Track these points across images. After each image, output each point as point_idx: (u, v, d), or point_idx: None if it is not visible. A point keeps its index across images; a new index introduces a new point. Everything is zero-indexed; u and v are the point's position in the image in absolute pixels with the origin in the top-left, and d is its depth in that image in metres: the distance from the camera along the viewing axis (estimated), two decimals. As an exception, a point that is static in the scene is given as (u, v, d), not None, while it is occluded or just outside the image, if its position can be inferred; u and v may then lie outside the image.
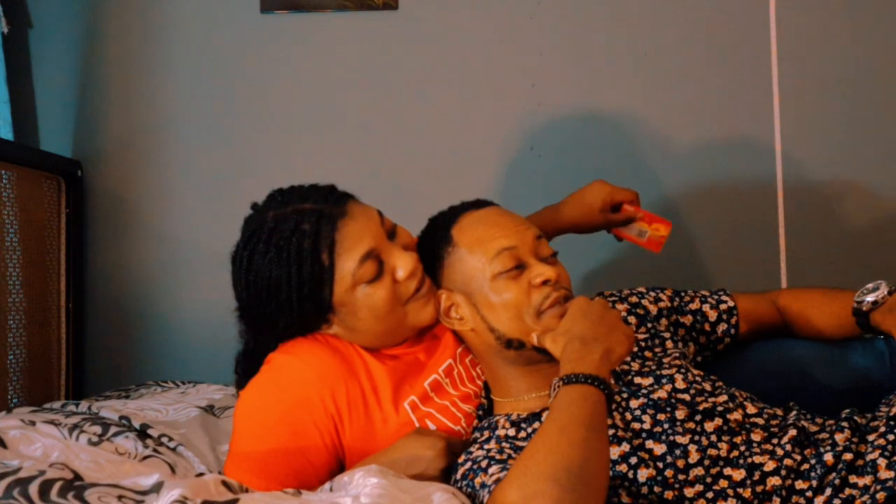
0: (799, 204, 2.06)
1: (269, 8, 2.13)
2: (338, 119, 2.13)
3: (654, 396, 1.23)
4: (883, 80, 2.06)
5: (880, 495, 1.08)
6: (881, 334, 1.37)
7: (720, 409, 1.21)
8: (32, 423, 1.29)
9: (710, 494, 1.13)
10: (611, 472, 1.14)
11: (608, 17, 2.11)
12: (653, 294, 1.47)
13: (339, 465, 1.28)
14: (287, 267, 1.24)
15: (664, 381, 1.25)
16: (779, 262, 2.07)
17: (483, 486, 1.11)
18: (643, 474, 1.15)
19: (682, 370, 1.28)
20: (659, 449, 1.17)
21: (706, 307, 1.48)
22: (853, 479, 1.12)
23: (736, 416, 1.21)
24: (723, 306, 1.49)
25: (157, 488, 0.98)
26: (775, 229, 2.08)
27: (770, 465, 1.14)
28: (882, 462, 1.12)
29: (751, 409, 1.24)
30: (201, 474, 1.29)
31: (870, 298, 1.36)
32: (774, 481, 1.13)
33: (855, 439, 1.17)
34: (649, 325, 1.41)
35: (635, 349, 1.35)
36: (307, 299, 1.26)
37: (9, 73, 2.06)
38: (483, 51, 2.12)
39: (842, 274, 2.03)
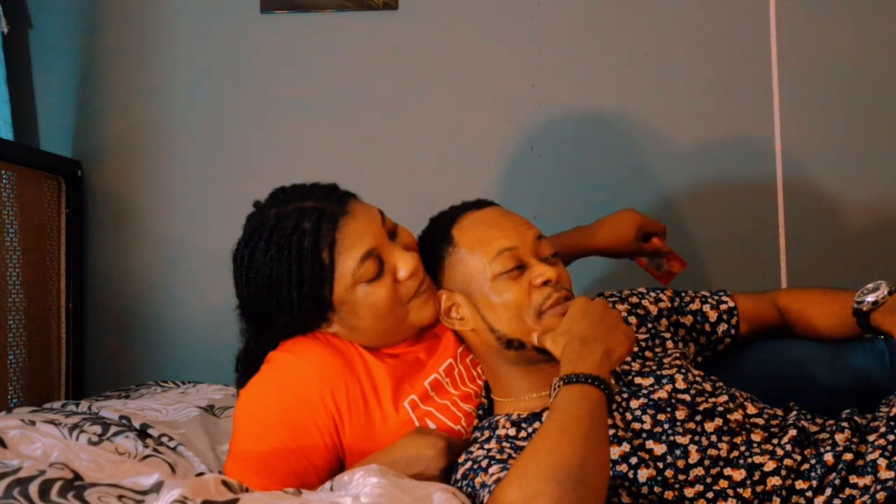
0: (799, 204, 2.06)
1: (269, 8, 2.13)
2: (338, 119, 2.13)
3: (655, 397, 1.23)
4: (883, 80, 2.06)
5: (880, 495, 1.08)
6: (881, 334, 1.37)
7: (720, 409, 1.21)
8: (32, 423, 1.29)
9: (710, 494, 1.13)
10: (611, 472, 1.14)
11: (608, 17, 2.11)
12: (653, 294, 1.47)
13: (339, 465, 1.28)
14: (288, 265, 1.24)
15: (665, 381, 1.25)
16: (779, 262, 2.07)
17: (483, 485, 1.11)
18: (643, 474, 1.15)
19: (683, 370, 1.28)
20: (659, 449, 1.17)
21: (706, 307, 1.48)
22: (853, 479, 1.12)
23: (736, 416, 1.21)
24: (723, 307, 1.49)
25: (157, 488, 0.98)
26: (775, 229, 2.08)
27: (770, 466, 1.14)
28: (882, 462, 1.12)
29: (751, 410, 1.24)
30: (201, 474, 1.29)
31: (870, 299, 1.36)
32: (774, 481, 1.13)
33: (855, 439, 1.17)
34: (650, 325, 1.41)
35: (636, 349, 1.35)
36: (307, 297, 1.26)
37: (9, 73, 2.06)
38: (483, 51, 2.12)
39: (842, 274, 2.03)
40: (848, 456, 1.13)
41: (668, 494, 1.14)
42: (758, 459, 1.15)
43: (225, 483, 1.04)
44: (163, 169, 2.14)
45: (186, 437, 1.42)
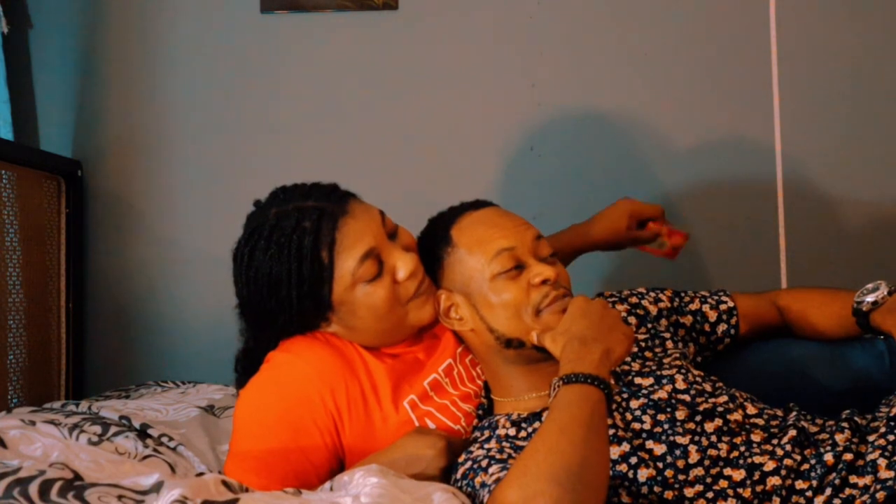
0: (799, 204, 2.07)
1: (269, 8, 2.13)
2: (338, 119, 2.13)
3: (655, 397, 1.23)
4: (883, 80, 2.06)
5: (880, 494, 1.08)
6: (881, 334, 1.36)
7: (720, 409, 1.21)
8: (32, 423, 1.29)
9: (710, 494, 1.13)
10: (611, 472, 1.14)
11: (608, 17, 2.11)
12: (653, 294, 1.47)
13: (339, 465, 1.28)
14: (287, 264, 1.24)
15: (664, 381, 1.25)
16: (779, 262, 2.07)
17: (483, 485, 1.11)
18: (643, 474, 1.15)
19: (683, 371, 1.28)
20: (659, 449, 1.17)
21: (706, 308, 1.48)
22: (853, 479, 1.12)
23: (736, 416, 1.21)
24: (723, 307, 1.49)
25: (157, 488, 0.98)
26: (775, 229, 2.08)
27: (770, 465, 1.14)
28: (882, 462, 1.11)
29: (751, 410, 1.24)
30: (201, 474, 1.29)
31: (869, 299, 1.36)
32: (774, 481, 1.13)
33: (855, 440, 1.17)
34: (649, 325, 1.41)
35: (635, 349, 1.35)
36: (306, 297, 1.26)
37: (9, 73, 2.06)
38: (483, 51, 2.12)
39: (842, 274, 2.03)
40: (848, 456, 1.13)
41: (668, 494, 1.14)
42: (757, 459, 1.15)
43: (225, 483, 1.04)
44: (163, 169, 2.14)
45: (186, 437, 1.42)
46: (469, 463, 1.16)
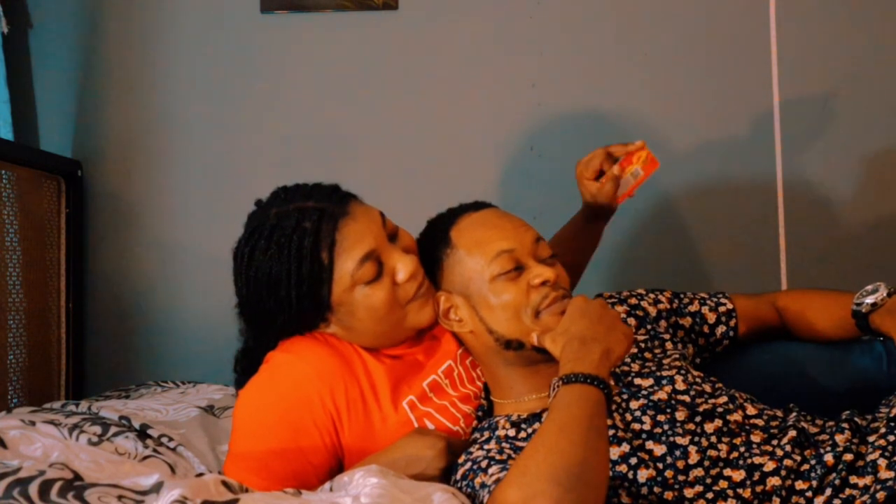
0: (799, 204, 2.07)
1: (269, 8, 2.13)
2: (338, 119, 2.13)
3: (655, 398, 1.23)
4: (883, 81, 2.06)
5: (880, 494, 1.08)
6: (880, 336, 1.36)
7: (720, 410, 1.21)
8: (32, 423, 1.29)
9: (709, 495, 1.13)
10: (611, 473, 1.14)
11: (608, 17, 2.11)
12: (652, 296, 1.47)
13: (338, 465, 1.28)
14: (287, 264, 1.24)
15: (664, 382, 1.25)
16: (779, 262, 2.07)
17: (483, 486, 1.11)
18: (643, 475, 1.15)
19: (682, 371, 1.28)
20: (659, 450, 1.17)
21: (705, 309, 1.48)
22: (853, 479, 1.12)
23: (736, 417, 1.21)
24: (722, 308, 1.49)
25: (156, 488, 0.98)
26: (775, 229, 2.08)
27: (770, 466, 1.14)
28: (882, 462, 1.12)
29: (751, 411, 1.24)
30: (201, 474, 1.29)
31: (869, 300, 1.36)
32: (774, 482, 1.13)
33: (855, 440, 1.17)
34: (649, 326, 1.41)
35: (635, 350, 1.35)
36: (306, 297, 1.26)
37: (9, 73, 2.06)
38: (483, 51, 2.12)
39: (842, 274, 2.04)
40: (848, 456, 1.13)
41: (668, 495, 1.14)
42: (757, 460, 1.15)
43: (225, 483, 1.04)
44: (163, 169, 2.14)
45: (186, 437, 1.42)
46: (469, 464, 1.16)
